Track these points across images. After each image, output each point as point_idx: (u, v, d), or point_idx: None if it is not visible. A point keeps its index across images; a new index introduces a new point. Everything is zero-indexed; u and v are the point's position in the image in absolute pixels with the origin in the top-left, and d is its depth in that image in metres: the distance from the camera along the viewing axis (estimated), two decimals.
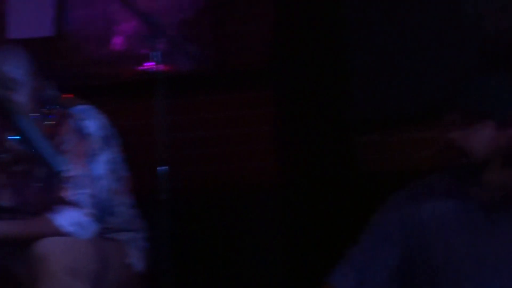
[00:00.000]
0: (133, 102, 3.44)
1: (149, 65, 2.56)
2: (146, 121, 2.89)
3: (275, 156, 3.11)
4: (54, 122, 2.64)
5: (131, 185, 2.64)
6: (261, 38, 3.17)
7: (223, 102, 3.37)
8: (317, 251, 3.11)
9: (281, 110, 2.97)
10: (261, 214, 3.20)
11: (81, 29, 3.48)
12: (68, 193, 2.54)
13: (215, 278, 3.26)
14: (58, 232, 2.48)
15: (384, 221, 2.29)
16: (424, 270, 2.21)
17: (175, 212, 2.58)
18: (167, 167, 2.53)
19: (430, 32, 2.78)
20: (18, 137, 2.58)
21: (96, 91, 3.15)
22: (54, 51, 3.57)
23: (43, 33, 3.48)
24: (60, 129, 2.64)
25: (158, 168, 2.55)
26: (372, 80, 2.87)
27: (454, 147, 2.16)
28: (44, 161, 2.57)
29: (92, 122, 2.62)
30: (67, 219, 2.52)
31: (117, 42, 3.42)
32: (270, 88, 3.05)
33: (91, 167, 2.60)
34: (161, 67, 2.52)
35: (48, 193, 2.61)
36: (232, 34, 3.30)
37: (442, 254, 2.18)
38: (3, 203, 2.70)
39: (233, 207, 3.29)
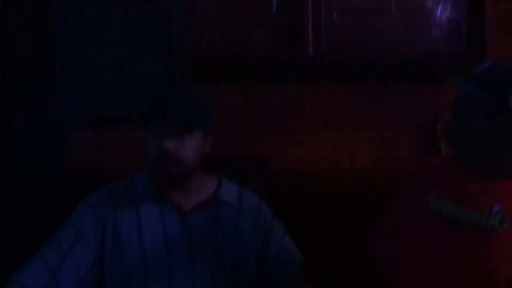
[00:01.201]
0: None
1: None
2: None
3: None
4: None
5: None
6: None
7: None
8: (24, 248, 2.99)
9: None
10: None
11: None
12: None
13: None
14: None
15: (79, 220, 2.25)
16: (117, 271, 2.21)
17: None
18: None
19: (142, 34, 2.80)
20: None
21: None
22: None
23: None
24: None
25: None
26: (84, 75, 2.82)
27: (168, 156, 2.19)
28: None
29: None
30: None
31: None
32: None
33: None
34: None
35: None
36: None
37: (134, 255, 2.20)
38: None
39: None
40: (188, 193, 2.29)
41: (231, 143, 3.41)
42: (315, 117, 3.61)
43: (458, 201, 2.15)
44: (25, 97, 2.77)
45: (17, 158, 2.90)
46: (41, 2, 2.78)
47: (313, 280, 2.41)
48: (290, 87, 3.56)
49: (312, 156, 3.61)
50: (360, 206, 3.41)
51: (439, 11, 3.56)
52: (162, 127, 2.22)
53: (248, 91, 3.51)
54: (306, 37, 3.37)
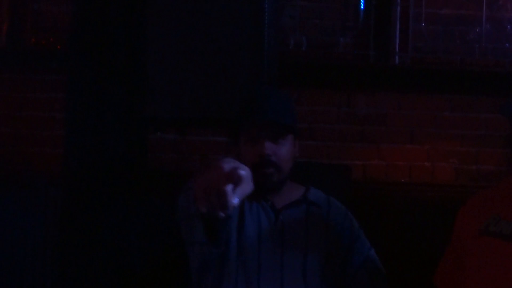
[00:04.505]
0: None
1: None
2: None
3: (62, 145, 2.99)
4: None
5: None
6: (59, 18, 3.06)
7: (14, 82, 3.20)
8: (95, 248, 3.03)
9: (74, 96, 2.87)
10: (42, 204, 3.06)
11: None
12: None
13: None
14: None
15: None
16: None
17: None
18: None
19: (231, 38, 2.80)
20: None
21: None
22: None
23: None
24: None
25: None
26: (172, 77, 2.84)
27: (268, 161, 2.18)
28: None
29: None
30: None
31: None
32: (65, 72, 2.93)
33: None
34: None
35: None
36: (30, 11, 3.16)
37: (236, 240, 2.20)
38: None
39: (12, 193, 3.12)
40: (280, 195, 2.29)
41: (312, 150, 3.38)
42: (398, 127, 3.55)
43: None
44: (116, 94, 2.81)
45: (100, 155, 2.94)
46: (133, 3, 2.82)
47: None
48: (375, 96, 3.50)
49: (393, 167, 3.55)
50: (441, 221, 3.32)
51: None
52: (259, 132, 2.20)
53: (332, 99, 3.47)
54: (392, 46, 3.34)
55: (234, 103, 2.65)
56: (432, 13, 3.44)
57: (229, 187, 1.63)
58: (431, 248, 2.62)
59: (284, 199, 2.30)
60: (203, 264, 2.21)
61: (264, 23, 2.71)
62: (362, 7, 3.38)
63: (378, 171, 3.51)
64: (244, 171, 1.69)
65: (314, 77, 3.21)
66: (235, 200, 1.65)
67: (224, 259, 2.20)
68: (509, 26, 3.47)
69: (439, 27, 3.46)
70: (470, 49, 3.49)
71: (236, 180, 1.66)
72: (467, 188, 3.53)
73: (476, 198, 2.43)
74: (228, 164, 1.69)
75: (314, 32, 3.37)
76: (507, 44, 3.48)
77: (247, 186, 1.71)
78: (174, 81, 2.77)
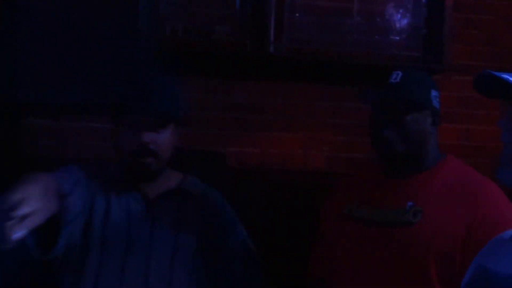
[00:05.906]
0: None
1: None
2: None
3: None
4: None
5: None
6: None
7: None
8: None
9: None
10: None
11: None
12: None
13: None
14: None
15: (77, 173, 2.24)
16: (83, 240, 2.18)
17: None
18: None
19: (106, 24, 2.76)
20: None
21: None
22: None
23: None
24: None
25: None
26: (44, 62, 2.77)
27: (147, 150, 2.19)
28: None
29: None
30: None
31: None
32: None
33: None
34: None
35: None
36: None
37: (96, 231, 2.19)
38: None
39: None
40: (155, 183, 2.30)
41: (188, 137, 3.38)
42: (272, 116, 3.62)
43: (376, 204, 2.28)
44: None
45: None
46: None
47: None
48: (250, 84, 3.56)
49: (267, 155, 3.61)
50: (313, 207, 3.42)
51: (399, 17, 3.61)
52: (139, 120, 2.21)
53: (208, 86, 3.49)
54: (268, 35, 3.38)
55: (108, 89, 2.63)
56: (307, 4, 3.51)
57: (10, 222, 1.56)
58: (305, 234, 2.69)
59: (159, 188, 2.31)
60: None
61: (139, 9, 2.70)
62: None
63: (253, 158, 3.57)
64: (28, 207, 1.62)
65: (190, 64, 3.21)
66: (18, 234, 1.59)
67: (85, 250, 2.19)
68: (378, 19, 3.60)
69: (313, 18, 3.54)
70: (343, 40, 3.59)
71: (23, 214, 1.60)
72: (339, 176, 3.66)
73: (339, 185, 2.54)
74: (16, 195, 1.62)
75: (192, 19, 3.37)
76: (377, 36, 3.61)
77: (37, 217, 1.67)
78: (47, 65, 2.72)
